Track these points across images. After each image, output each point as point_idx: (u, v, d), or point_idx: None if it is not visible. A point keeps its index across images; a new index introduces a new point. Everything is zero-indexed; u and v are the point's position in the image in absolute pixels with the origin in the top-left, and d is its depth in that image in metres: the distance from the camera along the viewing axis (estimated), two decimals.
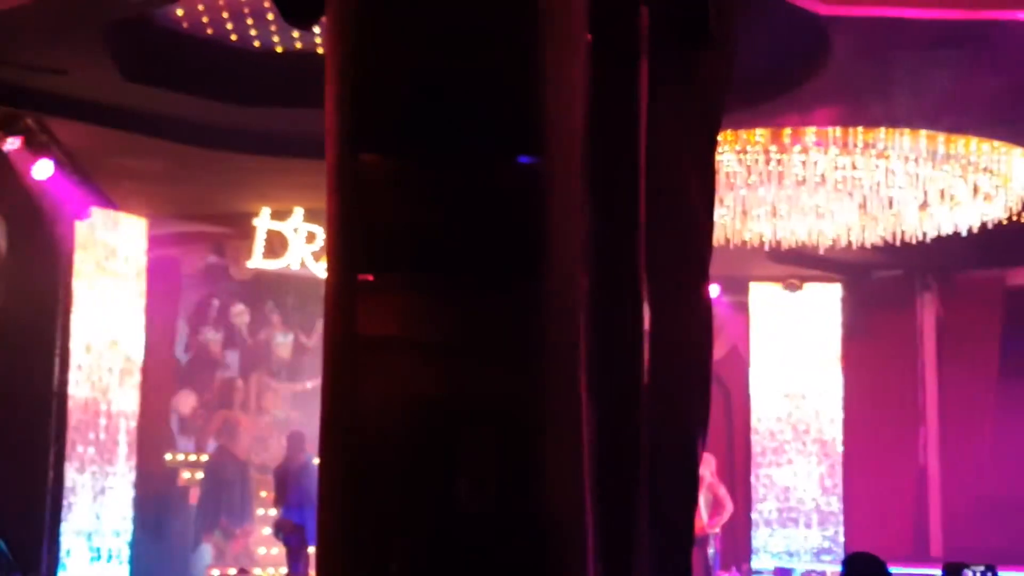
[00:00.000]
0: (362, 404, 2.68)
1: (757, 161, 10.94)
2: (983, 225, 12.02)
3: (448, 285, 2.68)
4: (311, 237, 13.31)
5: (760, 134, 10.77)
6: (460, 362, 2.65)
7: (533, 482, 2.66)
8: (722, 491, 12.97)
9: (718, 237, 12.16)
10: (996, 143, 10.89)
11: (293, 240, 13.38)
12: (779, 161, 10.97)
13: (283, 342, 14.42)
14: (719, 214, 11.92)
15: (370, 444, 2.67)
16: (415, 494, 2.63)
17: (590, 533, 2.85)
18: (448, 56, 2.74)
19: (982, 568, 10.92)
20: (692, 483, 3.80)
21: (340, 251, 2.72)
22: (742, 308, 15.88)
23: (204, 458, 13.61)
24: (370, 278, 2.71)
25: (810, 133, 10.72)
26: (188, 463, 13.58)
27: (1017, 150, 11.02)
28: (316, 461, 11.64)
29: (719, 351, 15.28)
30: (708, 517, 12.92)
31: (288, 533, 11.67)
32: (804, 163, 10.97)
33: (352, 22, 2.81)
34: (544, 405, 2.71)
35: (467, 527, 2.60)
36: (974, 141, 10.83)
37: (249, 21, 9.05)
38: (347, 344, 2.68)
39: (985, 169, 11.14)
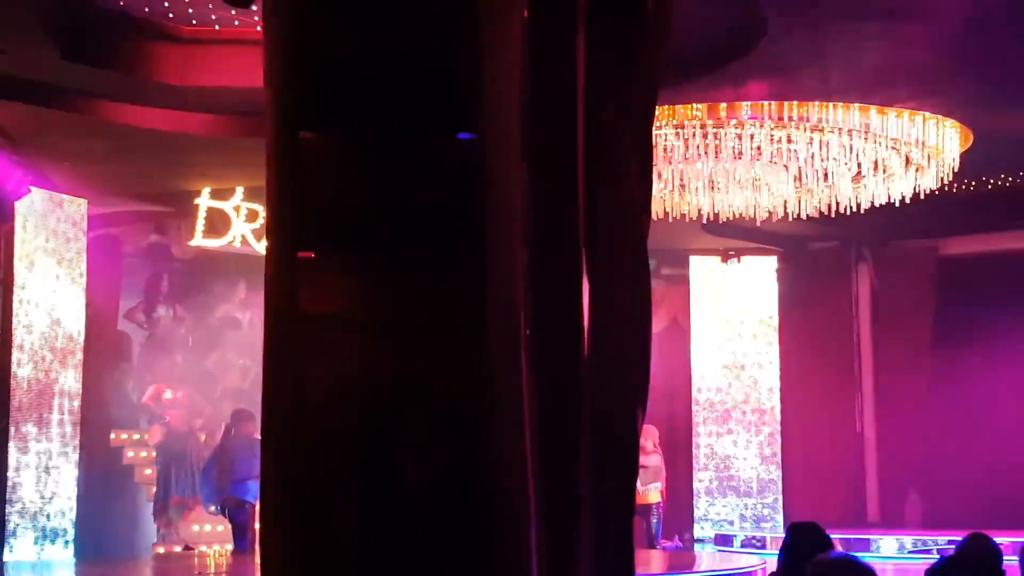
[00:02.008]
0: (305, 382, 2.69)
1: (694, 135, 11.02)
2: (916, 196, 12.17)
3: (388, 262, 2.71)
4: (252, 215, 13.26)
5: (696, 109, 10.85)
6: (401, 338, 2.68)
7: (476, 456, 2.70)
8: (659, 460, 13.13)
9: (656, 211, 12.24)
10: (928, 115, 11.04)
11: (234, 218, 13.32)
12: (715, 135, 11.05)
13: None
14: (657, 188, 11.99)
15: (313, 422, 2.68)
16: (359, 471, 2.65)
17: (532, 502, 2.91)
18: (385, 35, 2.76)
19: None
20: (632, 454, 3.87)
21: (280, 229, 2.74)
22: (681, 281, 15.99)
23: (147, 437, 13.55)
24: (310, 256, 2.73)
25: (745, 107, 10.81)
26: (133, 442, 13.51)
27: (948, 121, 11.17)
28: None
29: (659, 324, 15.39)
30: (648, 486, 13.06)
31: (233, 508, 11.66)
32: (740, 137, 11.07)
33: (289, 2, 2.83)
34: (486, 379, 2.75)
35: (412, 501, 2.64)
36: (906, 113, 10.97)
37: (187, 0, 9.00)
38: (288, 322, 2.70)
39: (917, 141, 11.28)
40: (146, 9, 9.09)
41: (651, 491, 13.15)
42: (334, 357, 2.67)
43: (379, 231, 2.72)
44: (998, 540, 5.16)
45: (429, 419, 2.69)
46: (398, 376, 2.66)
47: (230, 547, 11.92)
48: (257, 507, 11.72)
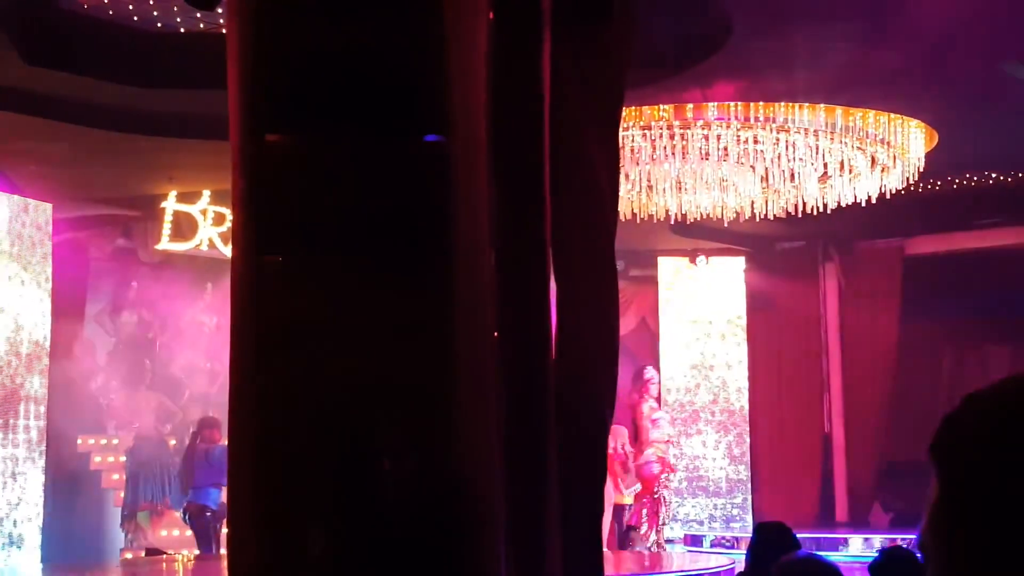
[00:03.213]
0: (272, 386, 2.68)
1: (661, 136, 11.05)
2: (881, 195, 12.24)
3: (355, 265, 2.70)
4: (220, 219, 13.21)
5: (663, 110, 10.88)
6: (369, 342, 2.67)
7: (445, 460, 2.69)
8: (631, 463, 13.13)
9: (624, 212, 12.26)
10: (893, 115, 11.11)
11: (201, 222, 13.26)
12: (682, 136, 11.08)
13: (208, 323, 14.32)
14: (625, 189, 12.01)
15: (281, 427, 2.67)
16: (329, 476, 2.64)
17: (502, 505, 2.90)
18: (350, 37, 2.75)
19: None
20: (601, 454, 3.88)
21: (246, 233, 2.72)
22: (650, 281, 16.03)
23: (116, 441, 13.47)
24: (277, 259, 2.71)
25: (712, 108, 10.84)
26: (100, 447, 13.43)
27: (913, 122, 11.24)
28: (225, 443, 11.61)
29: (628, 325, 15.41)
30: (619, 487, 13.06)
31: (194, 516, 11.64)
32: (707, 138, 11.10)
33: (254, 3, 2.81)
34: (454, 383, 2.74)
35: (382, 506, 2.63)
36: (871, 113, 11.03)
37: (151, 2, 8.95)
38: (255, 326, 2.69)
39: (882, 141, 11.35)
40: (110, 12, 9.04)
41: (627, 494, 13.17)
42: (301, 361, 2.65)
43: (345, 234, 2.71)
44: None
45: (398, 423, 2.68)
46: (366, 380, 2.65)
47: (197, 552, 11.87)
48: (217, 513, 11.72)
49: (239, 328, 2.73)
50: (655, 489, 12.61)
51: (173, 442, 13.26)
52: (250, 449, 2.71)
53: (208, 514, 11.66)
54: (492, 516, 2.81)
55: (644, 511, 12.73)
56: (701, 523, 15.52)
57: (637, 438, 12.78)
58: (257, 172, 2.75)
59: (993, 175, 13.83)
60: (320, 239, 2.71)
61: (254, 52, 2.79)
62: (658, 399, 13.19)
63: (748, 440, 15.76)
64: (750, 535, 5.34)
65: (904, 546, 5.22)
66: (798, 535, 4.99)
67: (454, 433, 2.73)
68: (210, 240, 13.29)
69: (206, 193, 13.09)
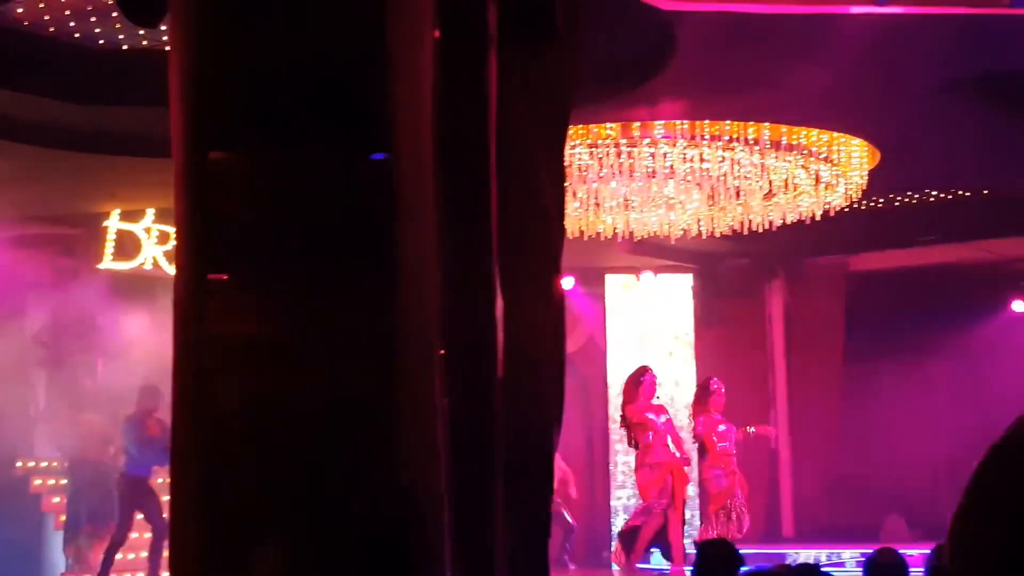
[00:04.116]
0: (215, 405, 2.66)
1: (608, 154, 11.09)
2: (825, 213, 12.35)
3: (299, 282, 2.69)
4: (164, 237, 13.10)
5: (610, 128, 10.92)
6: (313, 359, 2.65)
7: (392, 477, 2.68)
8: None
9: (572, 229, 12.29)
10: (836, 134, 11.22)
11: (145, 241, 13.15)
12: (629, 154, 11.14)
13: (151, 341, 14.18)
14: (572, 207, 12.04)
15: (225, 445, 2.65)
16: (276, 495, 2.62)
17: (448, 522, 2.89)
18: (294, 54, 2.74)
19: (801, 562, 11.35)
20: (548, 471, 3.87)
21: (188, 250, 2.70)
22: (598, 299, 16.06)
23: (55, 464, 13.30)
24: (221, 277, 2.69)
25: (658, 126, 10.91)
26: (40, 470, 13.25)
27: (855, 140, 11.36)
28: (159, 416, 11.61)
29: (576, 342, 15.43)
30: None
31: (125, 493, 11.59)
32: (653, 156, 11.16)
33: (196, 21, 2.80)
34: (400, 399, 2.73)
35: (330, 524, 2.61)
36: (815, 132, 11.14)
37: (93, 19, 8.88)
38: (198, 343, 2.66)
39: (825, 159, 11.46)
40: (51, 29, 8.96)
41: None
42: (245, 379, 2.63)
43: (290, 251, 2.70)
44: (912, 552, 5.24)
45: (343, 441, 2.66)
46: (311, 397, 2.63)
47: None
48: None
49: (182, 347, 2.71)
50: (726, 503, 12.27)
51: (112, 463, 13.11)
52: (194, 467, 2.68)
53: (140, 484, 11.68)
54: (439, 533, 2.80)
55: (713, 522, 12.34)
56: None
57: (704, 451, 12.44)
58: (200, 190, 2.73)
59: (934, 193, 14.00)
60: (264, 257, 2.69)
61: (197, 69, 2.78)
62: (721, 410, 12.74)
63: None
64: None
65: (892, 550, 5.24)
66: (744, 551, 5.01)
67: (400, 450, 2.72)
68: (154, 259, 13.17)
69: (150, 211, 12.98)
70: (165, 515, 11.59)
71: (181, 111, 2.77)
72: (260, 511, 2.61)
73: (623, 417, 12.21)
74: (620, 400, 12.56)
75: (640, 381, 12.14)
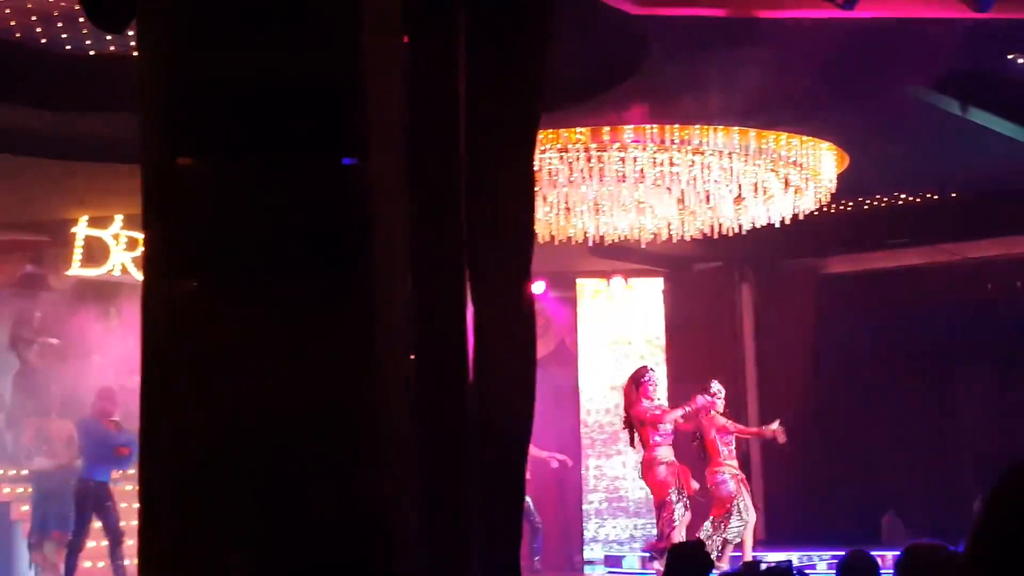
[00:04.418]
0: (184, 413, 2.64)
1: (578, 159, 11.10)
2: (795, 217, 12.40)
3: (270, 289, 2.68)
4: (133, 243, 13.02)
5: (580, 132, 10.93)
6: (284, 367, 2.64)
7: (363, 484, 2.67)
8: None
9: (543, 234, 12.30)
10: (804, 138, 11.26)
11: (113, 247, 13.07)
12: (599, 158, 11.15)
13: (118, 348, 14.09)
14: (543, 212, 12.05)
15: (194, 454, 2.63)
16: (245, 504, 2.61)
17: (421, 529, 2.88)
18: (264, 59, 2.73)
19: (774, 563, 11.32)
20: (520, 477, 3.86)
21: (157, 257, 2.69)
22: (569, 303, 16.07)
23: (24, 472, 13.20)
24: (189, 284, 2.68)
25: (628, 131, 10.92)
26: (9, 478, 13.14)
27: (824, 144, 11.41)
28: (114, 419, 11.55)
29: (547, 346, 15.44)
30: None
31: (82, 497, 11.52)
32: (623, 160, 11.17)
33: (164, 25, 2.78)
34: (371, 403, 2.72)
35: (300, 529, 2.60)
36: (784, 136, 11.18)
37: (59, 25, 8.83)
38: (166, 350, 2.65)
39: (795, 163, 11.50)
40: (17, 34, 8.90)
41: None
42: (213, 385, 2.62)
43: (260, 258, 2.69)
44: (879, 553, 5.27)
45: (314, 446, 2.65)
46: (279, 403, 2.62)
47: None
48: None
49: (151, 353, 2.69)
50: (731, 508, 12.17)
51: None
52: (164, 473, 2.67)
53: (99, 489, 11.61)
54: (410, 537, 2.79)
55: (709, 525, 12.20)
56: (622, 543, 15.55)
57: (706, 456, 12.36)
58: (168, 196, 2.72)
59: (903, 196, 14.07)
60: (234, 264, 2.68)
61: (164, 75, 2.76)
62: (727, 414, 12.67)
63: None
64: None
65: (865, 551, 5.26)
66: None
67: (371, 456, 2.71)
68: (123, 265, 13.09)
69: (118, 218, 12.91)
70: (123, 522, 11.59)
71: (150, 117, 2.76)
72: (229, 516, 2.60)
73: (627, 419, 12.15)
74: (622, 403, 12.49)
75: (640, 382, 12.11)
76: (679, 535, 11.64)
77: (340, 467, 2.65)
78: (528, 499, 12.46)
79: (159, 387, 2.68)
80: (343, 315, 2.73)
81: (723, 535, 12.02)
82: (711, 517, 12.16)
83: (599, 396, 15.91)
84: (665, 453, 11.95)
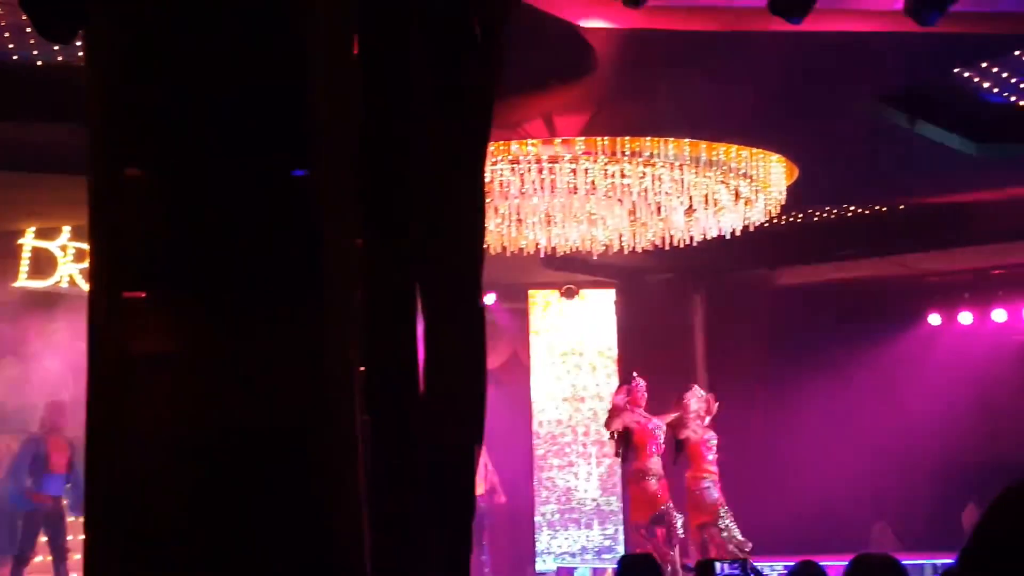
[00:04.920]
0: (130, 425, 2.62)
1: (529, 170, 11.12)
2: (746, 228, 12.47)
3: (218, 300, 2.66)
4: (81, 255, 12.90)
5: (531, 144, 10.95)
6: (232, 379, 2.63)
7: (311, 498, 2.66)
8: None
9: (495, 246, 12.30)
10: (754, 150, 11.34)
11: (61, 258, 12.95)
12: (551, 170, 11.17)
13: (66, 360, 13.94)
14: (495, 223, 12.05)
15: (140, 465, 2.61)
16: (192, 515, 2.59)
17: (370, 543, 2.87)
18: (213, 70, 2.72)
19: (730, 562, 11.35)
20: (469, 491, 3.86)
21: (103, 269, 2.66)
22: (521, 315, 16.08)
23: None
24: (138, 296, 2.66)
25: (579, 142, 10.95)
26: None
27: (774, 156, 11.49)
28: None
29: (500, 358, 15.44)
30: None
31: (32, 512, 11.39)
32: (574, 172, 11.20)
33: (113, 36, 2.77)
34: (320, 419, 2.71)
35: (247, 543, 2.58)
36: (734, 148, 11.25)
37: (7, 35, 8.75)
38: (113, 362, 2.63)
39: (745, 175, 11.57)
40: None
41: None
42: (160, 398, 2.60)
43: (207, 269, 2.67)
44: (830, 564, 5.30)
45: (263, 459, 2.64)
46: (227, 416, 2.60)
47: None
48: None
49: (97, 365, 2.67)
50: (716, 517, 12.13)
51: (29, 483, 12.87)
52: (109, 486, 2.64)
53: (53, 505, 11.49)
54: (359, 551, 2.78)
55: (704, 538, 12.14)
56: (574, 555, 15.56)
57: (689, 462, 12.32)
58: (115, 207, 2.70)
59: (852, 208, 14.20)
60: (181, 275, 2.66)
61: (113, 85, 2.74)
62: (711, 418, 12.67)
63: (619, 471, 15.87)
64: None
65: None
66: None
67: (319, 469, 2.70)
68: (71, 277, 12.97)
69: (66, 229, 12.80)
70: (69, 536, 11.47)
71: (97, 127, 2.74)
72: (176, 529, 2.58)
73: (615, 429, 12.13)
74: (605, 415, 12.49)
75: (630, 391, 12.13)
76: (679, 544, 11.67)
77: (288, 480, 2.63)
78: (482, 508, 12.44)
79: (105, 399, 2.66)
80: (291, 327, 2.72)
81: (730, 542, 11.94)
82: (699, 523, 12.12)
83: (551, 407, 15.93)
84: (656, 465, 11.99)
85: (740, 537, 12.03)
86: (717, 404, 12.65)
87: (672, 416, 12.24)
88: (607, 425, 12.21)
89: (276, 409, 2.67)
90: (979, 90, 10.91)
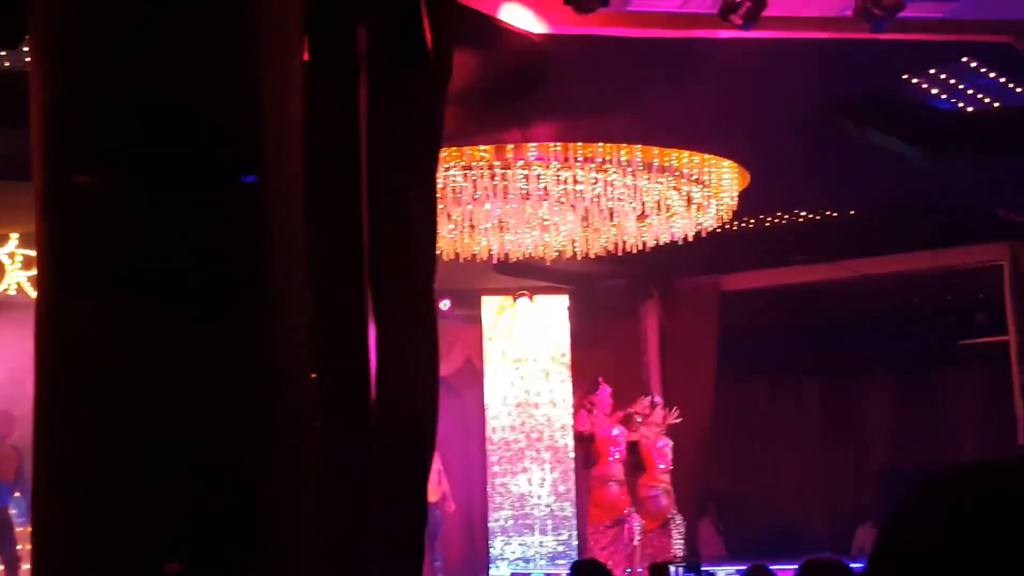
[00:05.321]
0: (79, 432, 2.61)
1: (482, 176, 11.12)
2: (698, 234, 12.53)
3: (166, 308, 2.65)
4: (29, 262, 12.78)
5: (484, 150, 10.96)
6: (179, 384, 2.61)
7: (264, 501, 2.65)
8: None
9: (447, 252, 12.29)
10: (706, 156, 11.40)
11: (9, 266, 12.82)
12: (503, 176, 11.18)
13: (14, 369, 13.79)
14: (447, 229, 12.05)
15: (89, 471, 2.60)
16: (140, 522, 2.57)
17: (322, 550, 2.86)
18: (161, 77, 2.70)
19: (684, 566, 11.43)
20: (422, 494, 3.86)
21: (51, 275, 2.65)
22: (474, 321, 16.08)
23: None
24: (86, 303, 2.64)
25: (532, 148, 10.97)
26: None
27: (725, 162, 11.55)
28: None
29: (453, 364, 15.42)
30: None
31: None
32: (527, 177, 11.22)
33: (60, 42, 2.75)
34: (269, 423, 2.70)
35: (195, 548, 2.57)
36: (686, 154, 11.30)
37: None
38: (61, 371, 2.61)
39: (697, 180, 11.63)
40: None
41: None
42: (109, 406, 2.58)
43: (156, 277, 2.66)
44: (781, 568, 5.33)
45: (210, 468, 2.62)
46: (177, 424, 2.59)
47: None
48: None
49: (45, 374, 2.65)
50: (665, 522, 12.12)
51: None
52: (58, 495, 2.63)
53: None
54: (311, 558, 2.77)
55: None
56: (527, 561, 15.56)
57: (640, 467, 12.28)
58: (62, 213, 2.68)
59: (803, 214, 14.30)
60: (129, 284, 2.64)
61: (59, 92, 2.72)
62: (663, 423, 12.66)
63: (573, 477, 15.89)
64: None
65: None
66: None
67: (271, 476, 2.69)
68: (19, 285, 12.84)
69: (14, 236, 12.67)
70: (19, 546, 11.35)
71: (43, 133, 2.72)
72: (124, 537, 2.57)
73: (581, 434, 12.12)
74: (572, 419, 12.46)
75: (596, 396, 12.13)
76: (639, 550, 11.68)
77: (237, 486, 2.62)
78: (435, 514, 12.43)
79: (54, 406, 2.64)
80: (241, 334, 2.71)
81: (672, 548, 11.99)
82: (649, 529, 12.15)
83: (504, 413, 15.92)
84: (618, 471, 11.99)
85: (679, 545, 12.08)
86: (676, 413, 12.66)
87: (621, 415, 12.25)
88: (577, 426, 12.19)
89: (225, 415, 2.66)
90: (927, 96, 11.03)
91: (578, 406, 12.22)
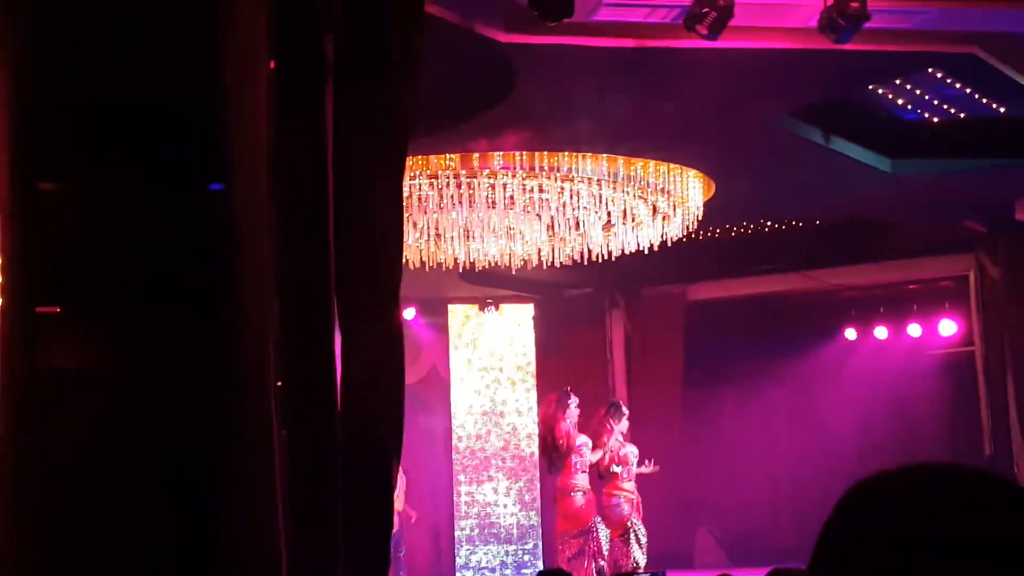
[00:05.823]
0: (44, 440, 2.60)
1: (448, 185, 11.12)
2: (664, 243, 12.57)
3: (132, 313, 2.64)
4: None
5: (450, 159, 10.96)
6: (145, 390, 2.61)
7: (225, 513, 2.64)
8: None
9: (413, 260, 12.28)
10: (672, 165, 11.44)
11: None
12: (469, 185, 11.18)
13: None
14: (413, 238, 12.04)
15: (54, 477, 2.59)
16: (104, 529, 2.56)
17: (287, 559, 2.85)
18: (128, 85, 2.70)
19: (649, 575, 11.46)
20: (388, 504, 3.85)
21: (17, 282, 2.64)
22: (440, 329, 16.06)
23: None
24: (52, 310, 2.64)
25: (497, 157, 10.97)
26: None
27: (691, 172, 11.60)
28: None
29: (418, 373, 15.41)
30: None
31: None
32: (493, 186, 11.23)
33: (25, 50, 2.74)
34: (233, 429, 2.70)
35: (160, 554, 2.56)
36: (652, 164, 11.33)
37: None
38: (26, 376, 2.60)
39: (662, 190, 11.66)
40: None
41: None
42: (74, 412, 2.58)
43: (122, 283, 2.65)
44: None
45: (175, 474, 2.62)
46: (142, 429, 2.58)
47: None
48: None
49: (10, 379, 2.64)
50: (625, 531, 12.11)
51: None
52: (21, 499, 2.61)
53: None
54: (276, 565, 2.76)
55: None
56: (493, 570, 15.55)
57: (604, 475, 12.28)
58: (29, 221, 2.67)
59: (768, 224, 14.38)
60: (95, 289, 2.64)
61: (26, 98, 2.72)
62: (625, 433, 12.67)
63: (539, 486, 15.89)
64: None
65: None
66: None
67: (235, 484, 2.68)
68: None
69: None
70: None
71: (11, 140, 2.71)
72: (89, 543, 2.56)
73: (549, 442, 12.11)
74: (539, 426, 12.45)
75: (565, 404, 12.12)
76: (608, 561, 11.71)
77: (201, 492, 2.62)
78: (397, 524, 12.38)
79: (19, 413, 2.63)
80: (207, 340, 2.70)
81: (631, 556, 12.02)
82: (612, 537, 12.18)
83: (470, 422, 15.92)
84: (583, 481, 12.00)
85: (638, 554, 12.11)
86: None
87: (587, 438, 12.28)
88: (556, 433, 12.17)
89: (190, 422, 2.66)
90: (893, 107, 11.12)
91: (555, 415, 12.20)
